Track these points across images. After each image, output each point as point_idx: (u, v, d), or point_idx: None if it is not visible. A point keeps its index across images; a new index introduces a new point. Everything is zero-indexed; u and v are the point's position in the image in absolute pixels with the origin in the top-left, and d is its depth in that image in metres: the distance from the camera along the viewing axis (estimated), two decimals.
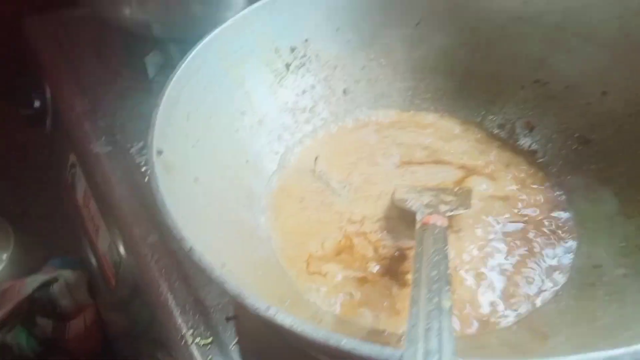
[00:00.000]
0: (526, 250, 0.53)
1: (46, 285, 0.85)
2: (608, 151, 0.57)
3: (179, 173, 0.47)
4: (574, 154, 0.60)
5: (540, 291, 0.50)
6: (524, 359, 0.42)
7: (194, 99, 0.53)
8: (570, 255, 0.52)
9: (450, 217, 0.51)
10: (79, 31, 1.02)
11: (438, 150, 0.65)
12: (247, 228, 0.55)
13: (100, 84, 0.89)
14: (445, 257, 0.41)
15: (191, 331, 0.55)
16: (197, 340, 0.54)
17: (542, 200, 0.58)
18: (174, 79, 0.50)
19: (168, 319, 0.57)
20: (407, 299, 0.48)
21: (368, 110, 0.71)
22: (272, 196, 0.61)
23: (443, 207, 0.52)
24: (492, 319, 0.47)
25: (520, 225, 0.56)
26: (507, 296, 0.49)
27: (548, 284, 0.50)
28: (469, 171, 0.62)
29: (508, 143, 0.65)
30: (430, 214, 0.49)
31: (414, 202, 0.54)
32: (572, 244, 0.53)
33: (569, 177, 0.59)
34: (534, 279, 0.51)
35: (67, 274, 0.88)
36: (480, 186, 0.59)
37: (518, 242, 0.54)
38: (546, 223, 0.56)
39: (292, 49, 0.66)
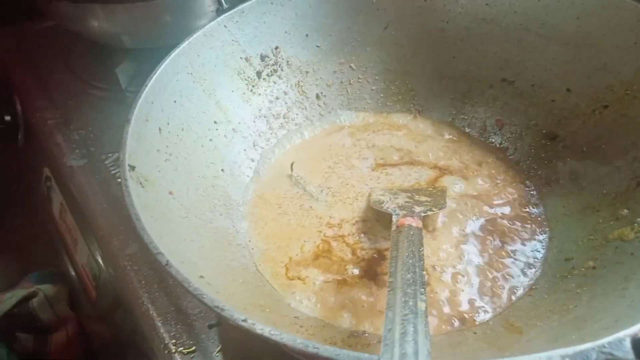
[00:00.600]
0: (500, 246, 0.54)
1: (25, 300, 0.84)
2: (574, 146, 0.58)
3: (152, 187, 0.47)
4: (543, 149, 0.61)
5: (514, 286, 0.51)
6: (500, 355, 0.43)
7: (165, 113, 0.54)
8: (543, 250, 0.54)
9: (425, 217, 0.52)
10: (46, 43, 1.01)
11: (412, 152, 0.66)
12: (225, 237, 0.55)
13: (72, 96, 0.89)
14: (420, 259, 0.42)
15: (174, 340, 0.55)
16: (180, 349, 0.55)
17: (514, 196, 0.60)
18: (143, 95, 0.51)
19: (150, 329, 0.57)
20: (385, 299, 0.50)
21: (341, 113, 0.72)
22: (251, 203, 0.62)
23: (418, 208, 0.53)
24: (469, 316, 0.49)
25: (494, 221, 0.57)
26: (483, 292, 0.50)
27: (522, 279, 0.51)
28: (443, 171, 0.63)
29: (479, 141, 0.67)
30: (405, 215, 0.50)
31: (390, 204, 0.55)
32: (544, 238, 0.55)
33: (539, 173, 0.61)
34: (508, 274, 0.52)
35: (46, 288, 0.87)
36: (453, 185, 0.61)
37: (492, 239, 0.55)
38: (519, 219, 0.57)
39: (263, 57, 0.66)
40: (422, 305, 0.35)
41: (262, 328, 0.32)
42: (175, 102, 0.56)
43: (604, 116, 0.56)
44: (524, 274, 0.52)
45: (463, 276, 0.52)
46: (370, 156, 0.66)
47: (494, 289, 0.51)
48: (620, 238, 0.48)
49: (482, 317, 0.49)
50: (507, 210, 0.58)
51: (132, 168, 0.45)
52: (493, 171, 0.62)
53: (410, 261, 0.41)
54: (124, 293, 0.63)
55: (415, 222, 0.49)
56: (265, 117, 0.67)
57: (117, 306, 0.71)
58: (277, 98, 0.68)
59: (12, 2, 1.02)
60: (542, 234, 0.55)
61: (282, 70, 0.68)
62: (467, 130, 0.68)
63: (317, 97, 0.71)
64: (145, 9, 0.75)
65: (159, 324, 0.57)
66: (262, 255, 0.56)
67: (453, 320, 0.48)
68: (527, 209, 0.58)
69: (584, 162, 0.57)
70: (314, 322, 0.49)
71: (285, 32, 0.67)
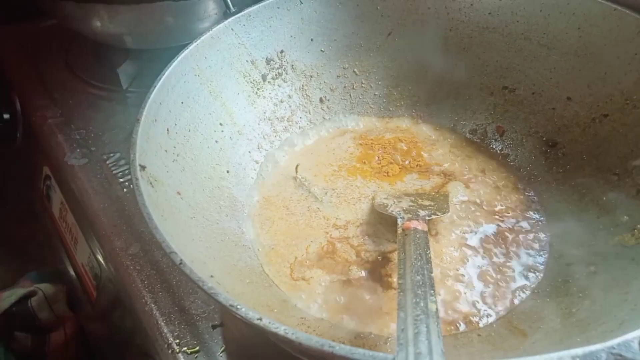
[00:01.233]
0: (502, 251, 0.55)
1: (24, 299, 0.84)
2: (574, 153, 0.60)
3: (162, 187, 0.47)
4: (543, 156, 0.62)
5: (517, 290, 0.52)
6: (505, 356, 0.44)
7: (173, 114, 0.54)
8: (544, 254, 0.55)
9: (429, 221, 0.53)
10: (47, 42, 1.01)
11: (414, 157, 0.67)
12: (231, 237, 0.55)
13: (72, 96, 0.89)
14: (428, 261, 0.43)
15: (177, 340, 0.56)
16: (184, 349, 0.55)
17: (516, 202, 0.61)
18: (152, 95, 0.51)
19: (153, 329, 0.57)
20: (391, 301, 0.51)
21: (345, 117, 0.72)
22: (257, 205, 0.62)
23: (422, 212, 0.54)
24: (474, 318, 0.49)
25: (496, 226, 0.58)
26: (486, 296, 0.51)
27: (524, 283, 0.52)
28: (446, 176, 0.64)
29: (481, 147, 0.68)
30: (410, 219, 0.51)
31: (394, 208, 0.56)
32: (545, 243, 0.56)
33: (539, 179, 0.62)
34: (510, 278, 0.53)
35: (45, 287, 0.87)
36: (456, 190, 0.62)
37: (494, 243, 0.56)
38: (520, 224, 0.58)
39: (268, 61, 0.67)
40: (432, 306, 0.36)
41: (278, 327, 0.33)
42: (182, 103, 0.56)
43: (603, 125, 0.57)
44: (526, 278, 0.53)
45: (466, 279, 0.53)
46: (373, 160, 0.67)
47: (497, 293, 0.52)
48: (621, 244, 0.49)
49: (486, 320, 0.50)
50: (508, 215, 0.59)
51: (143, 168, 0.45)
52: (495, 177, 0.64)
53: (419, 263, 0.42)
54: (127, 293, 0.63)
55: (421, 226, 0.49)
56: (269, 119, 0.68)
57: (118, 305, 0.71)
58: (281, 101, 0.69)
59: (12, 2, 1.02)
60: (543, 239, 0.56)
61: (286, 73, 0.69)
62: (468, 136, 0.69)
63: (321, 101, 0.71)
64: (149, 11, 0.75)
65: (163, 323, 0.57)
66: (267, 255, 0.57)
67: (458, 323, 0.49)
68: (528, 214, 0.59)
69: (584, 169, 0.58)
70: (321, 323, 0.50)
71: (291, 36, 0.67)
